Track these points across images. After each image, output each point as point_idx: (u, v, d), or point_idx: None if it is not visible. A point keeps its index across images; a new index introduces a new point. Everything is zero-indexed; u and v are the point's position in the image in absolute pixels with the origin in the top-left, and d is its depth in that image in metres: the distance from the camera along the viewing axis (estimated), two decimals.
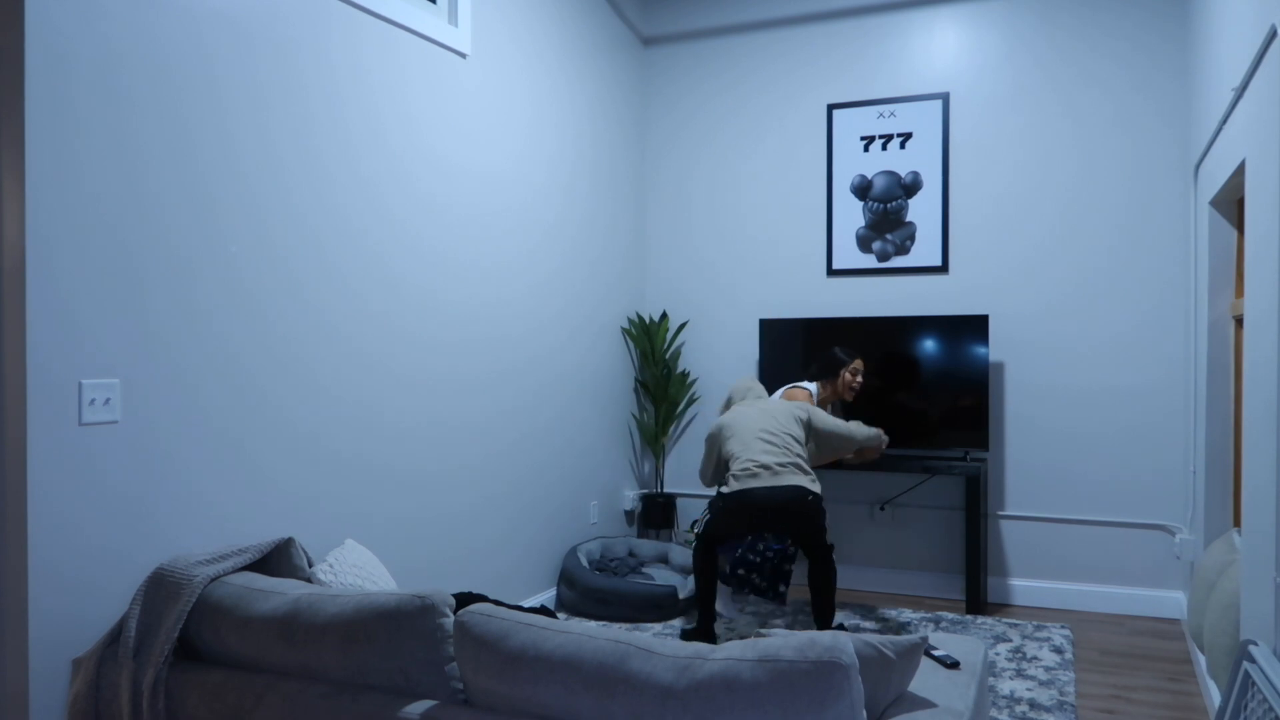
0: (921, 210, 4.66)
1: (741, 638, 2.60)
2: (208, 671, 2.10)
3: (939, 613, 4.27)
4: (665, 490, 5.21)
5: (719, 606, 3.94)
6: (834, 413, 4.49)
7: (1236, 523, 3.52)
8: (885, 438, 4.02)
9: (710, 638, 3.67)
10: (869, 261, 4.76)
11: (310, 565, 2.53)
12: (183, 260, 2.52)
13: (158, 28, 2.45)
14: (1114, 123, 4.35)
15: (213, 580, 2.24)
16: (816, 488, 3.63)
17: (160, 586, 2.24)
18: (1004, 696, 3.24)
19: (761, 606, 4.36)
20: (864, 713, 1.58)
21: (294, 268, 2.89)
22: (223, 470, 2.65)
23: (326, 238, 3.01)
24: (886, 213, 4.72)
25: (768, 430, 3.73)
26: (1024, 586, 4.49)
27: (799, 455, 3.69)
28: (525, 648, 1.74)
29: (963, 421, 4.38)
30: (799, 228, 4.92)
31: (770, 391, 4.57)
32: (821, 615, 3.64)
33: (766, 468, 3.60)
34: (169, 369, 2.48)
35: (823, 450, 3.87)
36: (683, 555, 4.63)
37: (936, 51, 4.64)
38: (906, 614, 4.25)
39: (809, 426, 3.83)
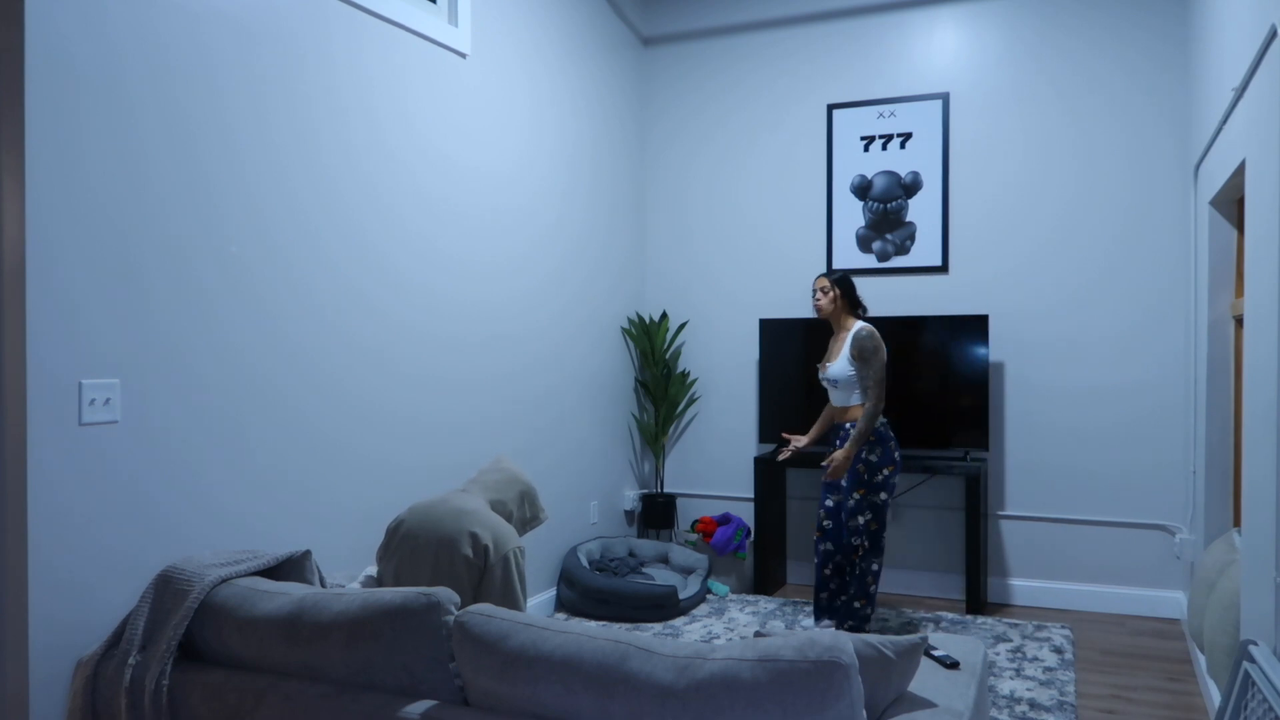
0: (921, 210, 4.66)
1: None
2: (208, 671, 2.10)
3: (939, 613, 4.27)
4: (665, 490, 5.21)
5: None
6: None
7: (1236, 523, 3.52)
8: None
9: None
10: (869, 261, 4.76)
11: (324, 586, 2.47)
12: (184, 260, 2.52)
13: (158, 27, 2.45)
14: (1114, 123, 4.35)
15: (221, 582, 2.24)
16: None
17: (168, 586, 2.24)
18: (1004, 696, 3.24)
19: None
20: (864, 713, 1.58)
21: (295, 266, 2.89)
22: (226, 469, 2.65)
23: (327, 236, 3.01)
24: (886, 213, 4.72)
25: None
26: (1024, 586, 4.49)
27: None
28: (525, 648, 1.74)
29: (963, 421, 4.38)
30: (799, 227, 4.92)
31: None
32: None
33: None
34: (170, 368, 2.48)
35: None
36: (683, 555, 4.63)
37: (936, 51, 4.64)
38: (906, 614, 4.25)
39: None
